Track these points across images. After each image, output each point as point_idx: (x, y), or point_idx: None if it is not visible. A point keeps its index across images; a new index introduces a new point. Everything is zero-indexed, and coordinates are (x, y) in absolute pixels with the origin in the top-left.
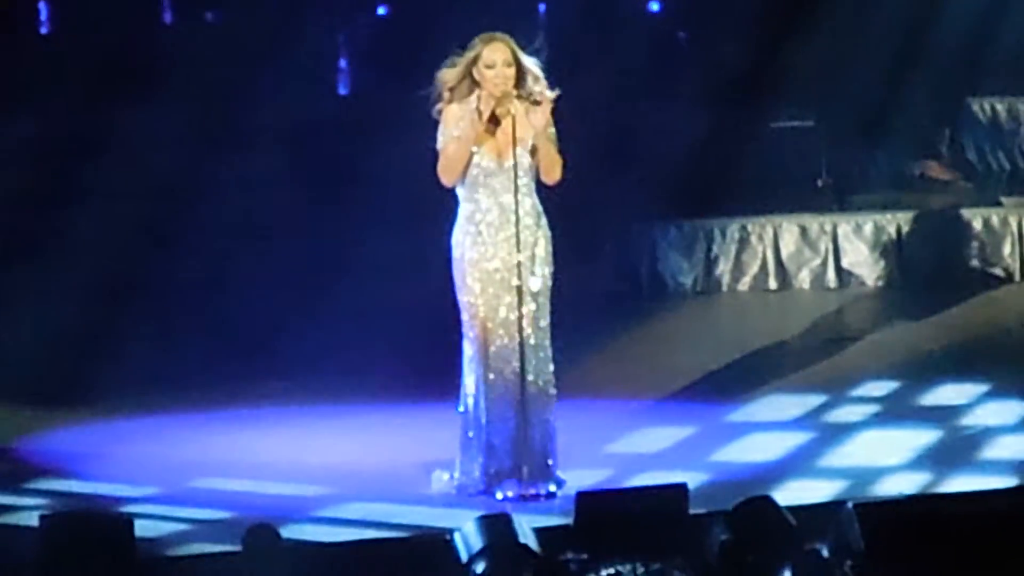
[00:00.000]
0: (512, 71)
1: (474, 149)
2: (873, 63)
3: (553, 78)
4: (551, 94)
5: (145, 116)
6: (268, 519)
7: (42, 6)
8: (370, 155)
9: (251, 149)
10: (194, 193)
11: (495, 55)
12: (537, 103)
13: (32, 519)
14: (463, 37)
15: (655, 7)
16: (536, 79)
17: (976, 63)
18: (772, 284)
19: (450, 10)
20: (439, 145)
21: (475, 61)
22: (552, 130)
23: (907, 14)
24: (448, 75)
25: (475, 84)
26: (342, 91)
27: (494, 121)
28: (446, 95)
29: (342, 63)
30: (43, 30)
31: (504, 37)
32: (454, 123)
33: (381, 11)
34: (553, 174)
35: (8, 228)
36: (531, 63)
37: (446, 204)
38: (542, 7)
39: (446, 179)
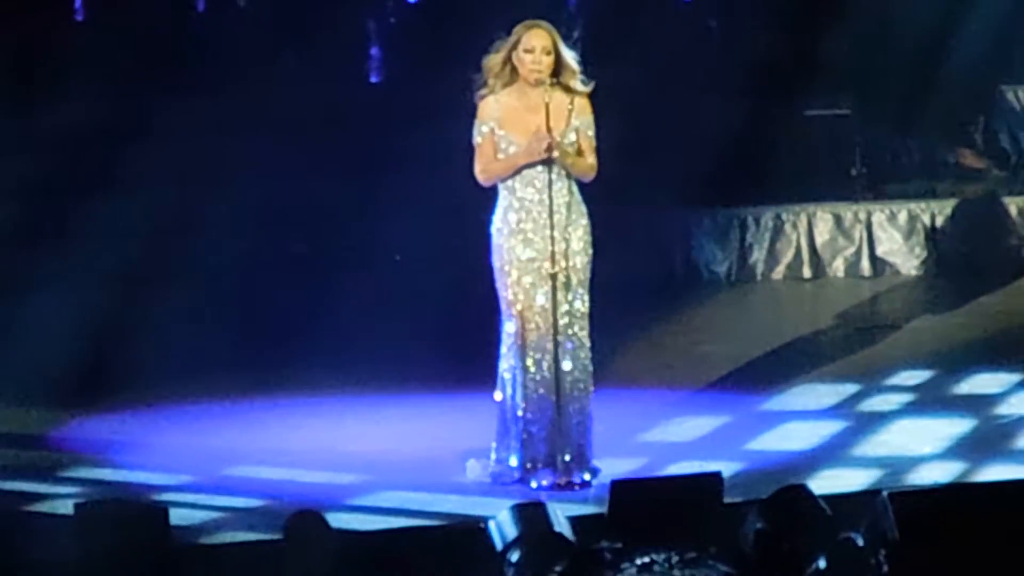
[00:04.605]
0: (550, 59)
1: (511, 139)
2: (907, 51)
3: (586, 66)
4: (586, 87)
5: (177, 103)
6: (303, 506)
7: None
8: (405, 142)
9: (283, 136)
10: (226, 180)
11: (534, 40)
12: (573, 92)
13: (67, 507)
14: (493, 25)
15: None
16: (573, 73)
17: (1009, 51)
18: (806, 273)
19: None
20: (475, 140)
21: (515, 46)
22: (592, 131)
23: (941, 2)
24: (492, 61)
25: (515, 71)
26: (373, 79)
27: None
28: (490, 82)
29: (373, 51)
30: (78, 17)
31: (546, 25)
32: (488, 116)
33: None
34: (584, 179)
35: (42, 214)
36: (570, 56)
37: (482, 191)
38: None
39: (485, 183)
